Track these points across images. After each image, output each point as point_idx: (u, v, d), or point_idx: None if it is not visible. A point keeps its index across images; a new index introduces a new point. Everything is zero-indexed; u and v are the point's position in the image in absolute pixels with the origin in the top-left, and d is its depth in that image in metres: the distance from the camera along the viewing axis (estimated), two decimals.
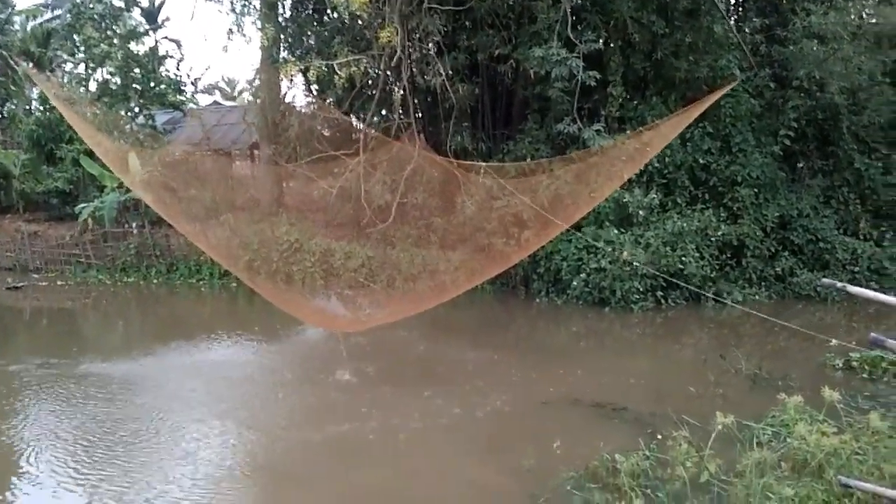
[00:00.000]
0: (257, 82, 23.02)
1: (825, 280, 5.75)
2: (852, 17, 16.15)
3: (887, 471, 5.85)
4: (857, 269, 16.90)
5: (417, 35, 16.96)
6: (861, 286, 16.09)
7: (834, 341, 9.89)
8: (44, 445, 8.36)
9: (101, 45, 25.80)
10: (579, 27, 16.17)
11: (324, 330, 14.10)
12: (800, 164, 18.24)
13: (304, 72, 18.80)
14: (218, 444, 8.48)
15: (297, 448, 8.49)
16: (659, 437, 7.64)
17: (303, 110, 21.55)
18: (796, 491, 5.80)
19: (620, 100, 17.44)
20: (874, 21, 16.58)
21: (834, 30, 16.15)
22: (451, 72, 17.03)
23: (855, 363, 10.81)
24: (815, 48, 16.89)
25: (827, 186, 18.14)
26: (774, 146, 17.37)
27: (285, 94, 22.62)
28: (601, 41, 16.72)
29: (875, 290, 15.89)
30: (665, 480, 6.60)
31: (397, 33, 16.20)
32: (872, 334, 5.23)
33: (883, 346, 5.26)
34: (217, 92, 45.43)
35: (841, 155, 18.01)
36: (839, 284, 5.42)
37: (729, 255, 16.78)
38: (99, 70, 28.16)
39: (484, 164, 16.74)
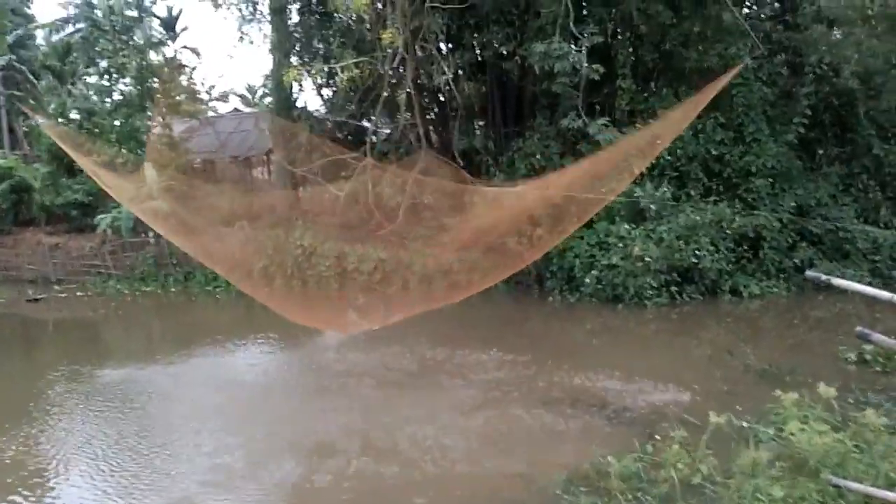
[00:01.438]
0: (268, 88, 23.15)
1: (809, 272, 5.51)
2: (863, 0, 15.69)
3: (883, 470, 5.61)
4: (878, 258, 16.45)
5: (421, 35, 16.87)
6: (882, 275, 15.89)
7: None
8: (67, 453, 8.53)
9: (118, 56, 26.08)
10: (584, 20, 15.95)
11: (340, 333, 14.12)
12: (817, 152, 17.79)
13: (311, 75, 18.80)
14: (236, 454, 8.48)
15: (304, 448, 8.46)
16: (657, 437, 7.47)
17: (313, 114, 21.61)
18: (788, 492, 5.60)
19: (630, 93, 17.19)
20: (886, 3, 16.07)
21: (845, 14, 15.75)
22: (457, 71, 16.90)
23: (868, 356, 10.48)
24: (826, 32, 16.48)
25: (845, 174, 17.70)
26: (789, 134, 16.98)
27: (296, 98, 22.71)
28: (608, 34, 16.48)
29: None
30: (656, 482, 6.42)
31: (400, 33, 16.14)
32: (859, 328, 5.02)
33: (869, 340, 5.06)
34: (237, 99, 45.79)
35: (859, 141, 17.55)
36: (823, 277, 5.20)
37: (745, 248, 16.40)
38: (118, 81, 28.50)
39: (491, 187, 16.59)
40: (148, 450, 8.58)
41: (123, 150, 23.94)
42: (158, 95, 25.93)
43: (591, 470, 6.77)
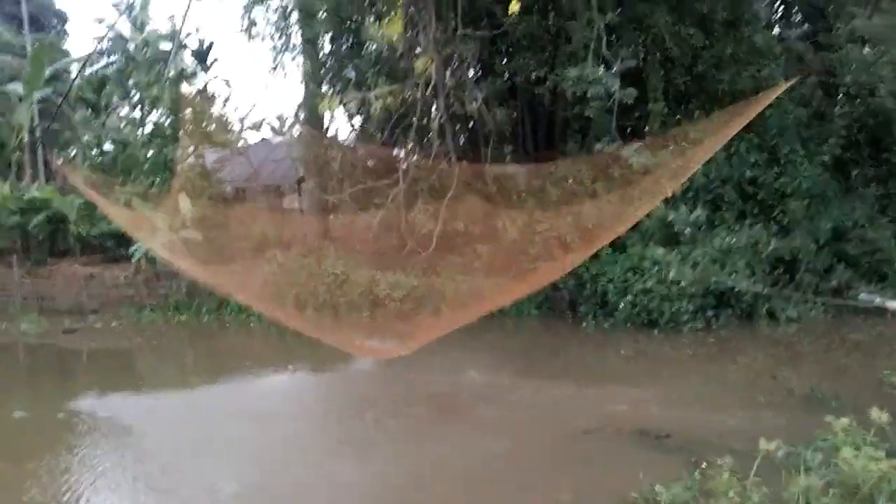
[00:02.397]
0: (300, 117, 23.41)
1: (863, 295, 5.46)
2: None
3: None
4: None
5: (454, 62, 17.01)
6: None
7: None
8: (102, 483, 8.60)
9: (152, 88, 26.51)
10: (616, 44, 15.99)
11: (372, 359, 14.13)
12: (852, 173, 17.60)
13: (344, 104, 19.00)
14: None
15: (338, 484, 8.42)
16: (703, 465, 7.33)
17: (345, 142, 21.79)
18: None
19: (662, 116, 17.14)
20: None
21: (880, 33, 15.61)
22: (488, 97, 16.99)
23: None
24: (861, 53, 16.36)
25: (882, 195, 17.46)
26: (824, 155, 16.81)
27: (328, 127, 22.93)
28: (639, 58, 16.48)
29: None
30: None
31: (433, 61, 16.28)
32: None
33: None
34: (267, 128, 46.27)
35: (895, 161, 17.33)
36: (878, 300, 5.15)
37: (782, 271, 16.18)
38: (152, 112, 28.97)
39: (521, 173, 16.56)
40: (166, 486, 8.56)
41: (156, 181, 24.29)
42: (191, 126, 26.33)
43: (640, 499, 6.66)
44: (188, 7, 34.42)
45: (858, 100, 16.93)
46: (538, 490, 7.79)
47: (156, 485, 8.58)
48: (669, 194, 14.24)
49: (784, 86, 14.03)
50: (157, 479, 8.76)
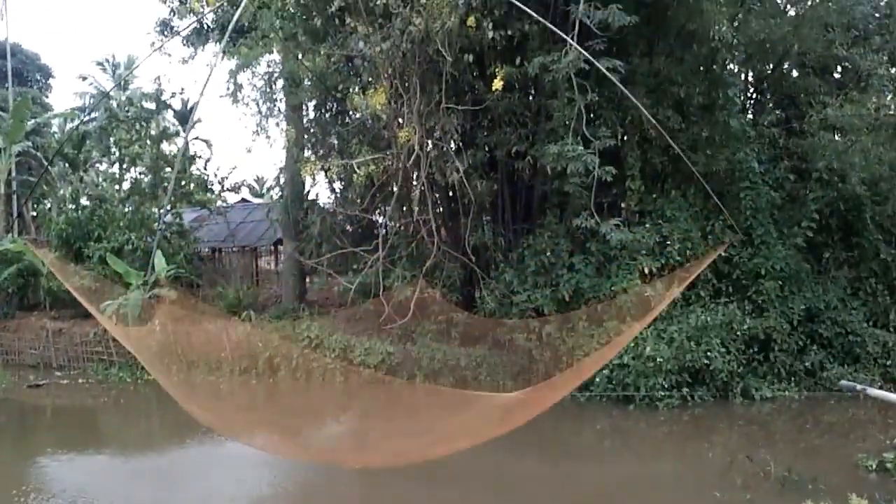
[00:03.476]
0: (281, 180, 23.54)
1: (844, 382, 5.53)
2: (869, 108, 16.10)
3: None
4: (889, 362, 16.37)
5: (436, 134, 17.28)
6: (894, 380, 15.79)
7: None
8: None
9: (134, 146, 26.59)
10: (595, 123, 16.35)
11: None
12: (825, 256, 17.91)
13: (326, 170, 19.16)
14: None
15: None
16: None
17: (325, 207, 21.90)
18: None
19: (639, 193, 17.45)
20: (892, 112, 16.54)
21: (851, 122, 16.12)
22: (469, 168, 17.21)
23: (889, 464, 10.30)
24: (833, 140, 16.87)
25: (854, 278, 17.78)
26: (797, 238, 17.13)
27: (308, 191, 23.07)
28: (618, 137, 16.84)
29: None
30: None
31: (416, 132, 16.54)
32: None
33: None
34: (246, 189, 46.54)
35: (866, 245, 17.70)
36: (859, 387, 5.21)
37: (756, 350, 16.33)
38: (131, 169, 28.99)
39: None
40: None
41: (132, 237, 24.14)
42: (169, 185, 26.36)
43: None
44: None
45: (830, 185, 17.34)
46: None
47: None
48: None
49: (725, 245, 14.97)
50: None
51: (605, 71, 12.26)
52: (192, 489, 11.12)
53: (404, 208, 19.22)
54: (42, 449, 13.64)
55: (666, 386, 15.16)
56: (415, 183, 17.98)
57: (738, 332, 16.06)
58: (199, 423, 15.08)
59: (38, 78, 40.75)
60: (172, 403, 18.69)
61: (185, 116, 37.83)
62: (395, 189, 18.58)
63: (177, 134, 33.46)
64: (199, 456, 13.49)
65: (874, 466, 10.49)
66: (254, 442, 11.45)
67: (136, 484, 11.12)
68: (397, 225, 19.82)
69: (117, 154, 29.70)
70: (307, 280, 24.40)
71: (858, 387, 5.14)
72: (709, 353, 15.39)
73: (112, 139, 30.10)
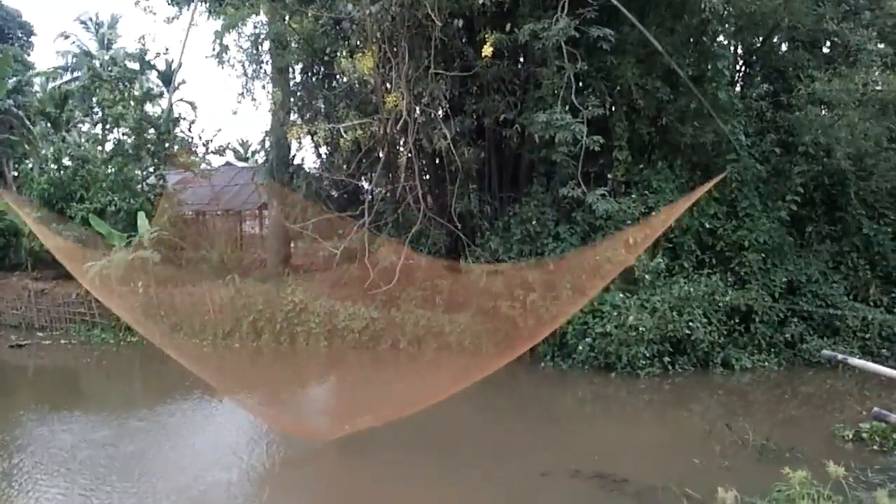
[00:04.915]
0: (267, 144, 23.33)
1: (826, 352, 5.60)
2: (857, 83, 16.11)
3: None
4: (867, 335, 16.56)
5: (424, 100, 17.16)
6: (872, 353, 16.05)
7: None
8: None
9: (117, 106, 26.20)
10: (584, 92, 16.29)
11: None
12: (808, 230, 18.04)
13: (312, 134, 19.00)
14: None
15: None
16: None
17: (311, 172, 21.75)
18: None
19: (626, 164, 17.45)
20: (879, 88, 16.55)
21: (838, 96, 16.14)
22: (457, 135, 17.12)
23: (865, 434, 10.48)
24: (820, 114, 16.89)
25: (836, 252, 17.94)
26: (781, 211, 17.25)
27: (294, 155, 22.89)
28: (606, 106, 16.80)
29: (887, 357, 15.75)
30: None
31: (403, 98, 16.41)
32: (876, 409, 5.08)
33: (886, 421, 5.09)
34: (230, 152, 46.09)
35: (849, 220, 17.84)
36: (840, 356, 5.29)
37: (737, 321, 16.50)
38: (114, 130, 28.59)
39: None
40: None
41: (115, 199, 23.92)
42: (153, 146, 26.06)
43: None
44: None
45: (815, 159, 17.41)
46: None
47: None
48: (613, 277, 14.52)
49: (723, 174, 14.93)
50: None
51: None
52: (175, 445, 11.17)
53: (391, 174, 19.12)
54: (25, 408, 13.63)
55: (648, 355, 15.32)
56: (402, 149, 17.88)
57: (720, 304, 16.22)
58: (182, 384, 15.26)
59: (20, 35, 39.84)
60: (155, 364, 18.92)
61: (169, 78, 37.36)
62: (381, 155, 18.47)
63: (161, 95, 33.00)
64: (182, 414, 13.53)
65: (850, 436, 10.68)
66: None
67: (119, 442, 11.12)
68: (383, 191, 19.75)
69: (100, 114, 29.27)
70: (292, 245, 24.31)
71: (839, 356, 5.21)
72: (691, 324, 15.55)
73: (95, 99, 29.69)
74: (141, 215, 22.26)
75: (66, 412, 13.11)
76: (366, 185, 20.77)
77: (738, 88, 19.93)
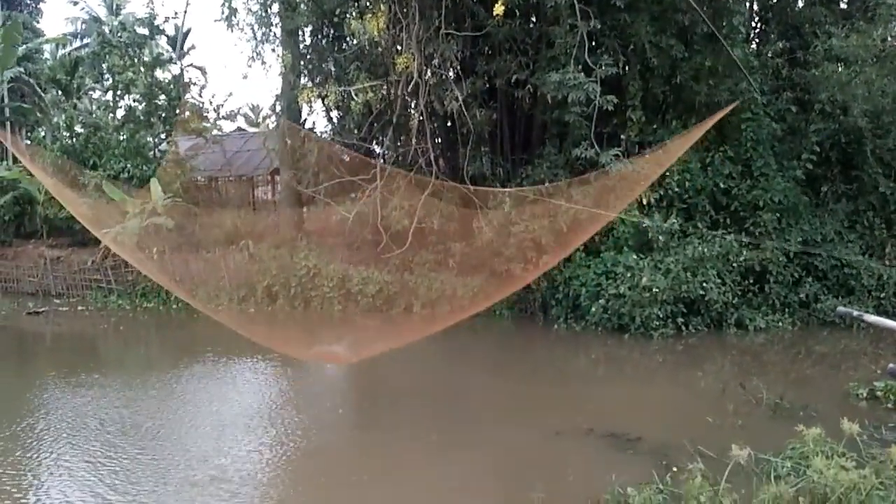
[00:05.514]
0: (277, 108, 23.23)
1: (841, 308, 5.57)
2: (875, 39, 15.81)
3: None
4: (882, 294, 16.48)
5: (435, 61, 17.00)
6: (887, 312, 15.97)
7: None
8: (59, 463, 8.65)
9: (127, 72, 26.14)
10: (597, 51, 16.06)
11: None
12: (823, 189, 17.84)
13: (323, 98, 18.88)
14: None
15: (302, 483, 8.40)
16: (674, 469, 7.42)
17: (322, 135, 21.66)
18: None
19: (640, 124, 17.28)
20: None
21: (856, 53, 15.86)
22: (468, 97, 16.98)
23: (879, 393, 10.44)
24: (837, 71, 16.60)
25: (851, 211, 17.75)
26: (797, 170, 17.07)
27: (305, 119, 22.78)
28: (619, 65, 16.59)
29: None
30: None
31: (414, 59, 16.25)
32: (891, 365, 5.05)
33: None
34: (241, 118, 45.95)
35: (865, 179, 17.61)
36: (855, 313, 5.26)
37: (751, 281, 16.43)
38: (125, 97, 28.57)
39: (502, 189, 16.74)
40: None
41: (127, 166, 23.99)
42: (165, 112, 26.05)
43: (612, 501, 6.72)
44: None
45: (832, 117, 17.17)
46: (510, 489, 7.83)
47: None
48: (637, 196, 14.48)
49: (736, 102, 14.56)
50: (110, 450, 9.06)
51: None
52: (192, 409, 11.30)
53: (402, 137, 19.02)
54: (43, 374, 13.77)
55: (661, 316, 15.30)
56: (413, 111, 17.75)
57: (735, 264, 16.15)
58: (196, 350, 15.44)
59: (28, 2, 39.76)
60: (171, 330, 19.07)
61: (178, 43, 37.22)
62: (393, 118, 18.33)
63: (170, 60, 32.91)
64: (197, 379, 13.65)
65: (865, 395, 10.65)
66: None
67: (136, 405, 11.27)
68: (395, 154, 19.65)
69: (111, 81, 29.20)
70: (304, 209, 24.30)
71: (855, 312, 5.18)
72: (704, 284, 15.50)
73: (105, 65, 29.62)
74: (154, 182, 22.30)
75: (85, 376, 13.23)
76: (377, 149, 20.68)
77: (753, 46, 19.60)
